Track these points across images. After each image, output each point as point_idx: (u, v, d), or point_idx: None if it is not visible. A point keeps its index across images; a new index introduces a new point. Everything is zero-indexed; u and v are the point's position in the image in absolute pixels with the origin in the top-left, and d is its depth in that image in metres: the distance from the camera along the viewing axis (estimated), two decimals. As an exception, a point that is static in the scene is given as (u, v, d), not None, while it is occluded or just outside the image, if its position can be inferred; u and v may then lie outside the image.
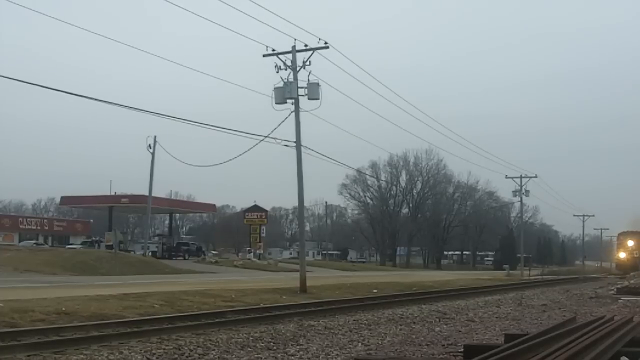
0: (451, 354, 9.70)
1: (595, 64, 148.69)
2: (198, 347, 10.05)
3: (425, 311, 16.66)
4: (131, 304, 15.88)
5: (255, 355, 9.54)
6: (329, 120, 29.32)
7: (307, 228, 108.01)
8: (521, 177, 59.36)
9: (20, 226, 70.71)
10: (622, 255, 65.31)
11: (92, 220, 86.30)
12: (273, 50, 25.08)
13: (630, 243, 64.05)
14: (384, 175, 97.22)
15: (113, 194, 67.54)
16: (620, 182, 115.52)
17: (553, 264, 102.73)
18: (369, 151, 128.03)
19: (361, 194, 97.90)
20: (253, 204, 70.42)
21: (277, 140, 25.20)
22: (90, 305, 15.03)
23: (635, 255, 63.69)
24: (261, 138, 25.24)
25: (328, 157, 29.32)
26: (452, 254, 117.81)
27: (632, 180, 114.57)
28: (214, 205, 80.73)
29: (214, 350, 9.88)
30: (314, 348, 10.17)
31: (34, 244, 61.84)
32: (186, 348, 9.90)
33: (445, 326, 13.76)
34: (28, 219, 75.55)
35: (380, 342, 11.11)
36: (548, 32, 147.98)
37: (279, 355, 9.51)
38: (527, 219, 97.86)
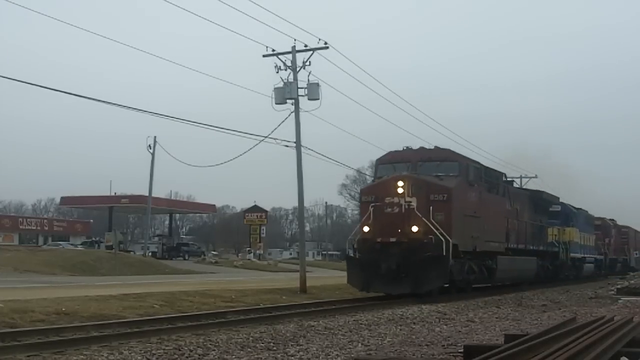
0: (451, 354, 9.70)
1: (596, 64, 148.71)
2: (198, 347, 10.05)
3: (425, 311, 16.65)
4: (131, 304, 15.89)
5: (255, 356, 9.54)
6: (329, 121, 29.33)
7: (307, 228, 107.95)
8: (521, 177, 59.24)
9: (20, 226, 70.77)
10: (366, 229, 20.87)
11: (92, 221, 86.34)
12: (273, 50, 25.10)
13: (400, 190, 20.29)
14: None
15: (113, 194, 67.64)
16: (620, 181, 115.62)
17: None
18: (369, 151, 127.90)
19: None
20: (253, 204, 70.44)
21: (277, 140, 25.22)
22: (90, 306, 15.04)
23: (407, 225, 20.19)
24: (261, 138, 25.28)
25: (328, 158, 29.30)
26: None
27: (632, 178, 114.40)
28: (214, 205, 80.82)
29: (214, 350, 9.88)
30: (314, 348, 10.17)
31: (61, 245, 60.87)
32: (186, 348, 9.90)
33: (445, 326, 13.76)
34: (28, 220, 75.63)
35: (380, 343, 11.11)
36: (549, 32, 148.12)
37: (279, 356, 9.51)
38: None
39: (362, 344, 10.86)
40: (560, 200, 35.89)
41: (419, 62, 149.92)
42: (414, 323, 14.25)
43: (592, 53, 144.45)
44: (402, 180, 20.56)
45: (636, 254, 56.89)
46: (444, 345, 10.79)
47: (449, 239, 19.68)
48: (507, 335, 9.85)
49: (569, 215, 35.85)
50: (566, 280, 33.92)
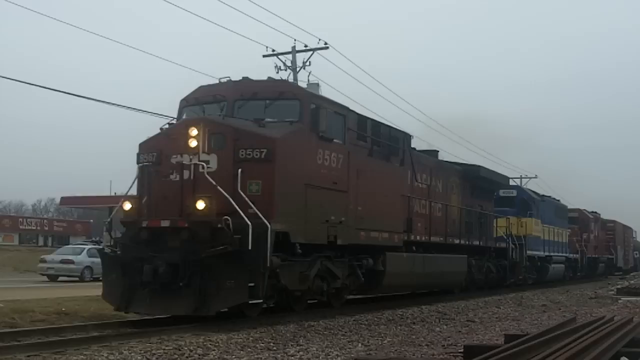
0: (451, 354, 9.70)
1: (596, 68, 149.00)
2: (198, 347, 10.04)
3: (425, 311, 16.65)
4: (131, 304, 15.86)
5: (255, 356, 9.54)
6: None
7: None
8: (521, 177, 59.18)
9: (20, 227, 70.70)
10: (127, 206, 13.18)
11: (92, 221, 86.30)
12: (273, 50, 25.17)
13: (193, 143, 12.55)
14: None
15: (113, 194, 67.57)
16: (621, 182, 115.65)
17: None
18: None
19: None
20: (253, 204, 70.22)
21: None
22: (90, 306, 15.05)
23: None
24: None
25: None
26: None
27: (633, 179, 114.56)
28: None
29: (214, 350, 9.88)
30: (314, 348, 10.17)
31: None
32: (186, 348, 9.89)
33: (445, 326, 13.77)
34: (28, 220, 75.53)
35: (380, 343, 11.12)
36: (551, 36, 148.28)
37: (279, 356, 9.51)
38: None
39: (362, 344, 10.86)
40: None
41: (420, 62, 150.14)
42: (414, 323, 14.26)
43: (592, 56, 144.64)
44: (194, 126, 12.59)
45: (636, 254, 53.76)
46: (444, 345, 10.79)
47: (266, 222, 11.88)
48: (507, 335, 9.87)
49: (528, 203, 28.82)
50: (522, 285, 26.89)
